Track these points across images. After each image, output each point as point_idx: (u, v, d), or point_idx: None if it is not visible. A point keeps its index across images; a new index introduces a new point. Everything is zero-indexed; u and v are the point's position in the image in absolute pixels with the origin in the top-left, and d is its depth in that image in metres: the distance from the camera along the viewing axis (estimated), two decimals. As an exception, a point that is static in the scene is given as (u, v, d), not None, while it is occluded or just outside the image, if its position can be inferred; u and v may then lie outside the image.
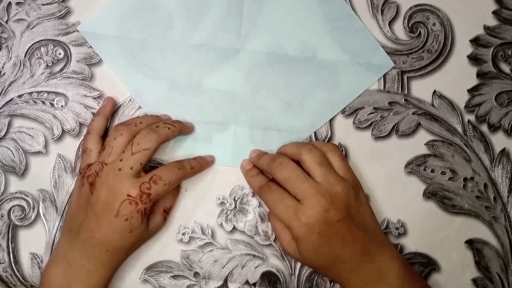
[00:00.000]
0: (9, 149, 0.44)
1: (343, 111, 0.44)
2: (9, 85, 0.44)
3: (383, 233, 0.41)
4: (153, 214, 0.40)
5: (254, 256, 0.43)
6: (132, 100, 0.44)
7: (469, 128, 0.44)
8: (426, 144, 0.44)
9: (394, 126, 0.44)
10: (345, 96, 0.44)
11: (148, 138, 0.38)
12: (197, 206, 0.44)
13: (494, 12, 0.45)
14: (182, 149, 0.44)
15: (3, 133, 0.44)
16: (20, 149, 0.44)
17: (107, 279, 0.39)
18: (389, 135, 0.44)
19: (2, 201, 0.43)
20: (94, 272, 0.38)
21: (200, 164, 0.42)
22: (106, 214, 0.37)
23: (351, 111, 0.44)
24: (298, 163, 0.40)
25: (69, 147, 0.44)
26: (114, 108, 0.43)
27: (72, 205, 0.39)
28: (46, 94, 0.44)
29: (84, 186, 0.38)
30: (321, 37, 0.44)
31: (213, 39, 0.44)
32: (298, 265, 0.43)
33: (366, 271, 0.38)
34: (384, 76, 0.44)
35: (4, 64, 0.44)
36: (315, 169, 0.39)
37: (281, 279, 0.43)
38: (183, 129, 0.42)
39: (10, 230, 0.43)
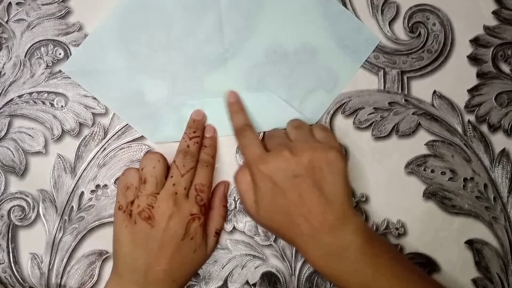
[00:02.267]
0: (9, 149, 0.44)
1: (343, 111, 0.44)
2: (9, 85, 0.44)
3: (351, 207, 0.37)
4: (207, 236, 0.40)
5: (254, 256, 0.43)
6: (132, 100, 0.44)
7: (469, 128, 0.44)
8: (426, 144, 0.44)
9: (394, 126, 0.44)
10: (340, 80, 0.43)
11: (188, 159, 0.40)
12: (197, 206, 0.44)
13: (494, 12, 0.45)
14: None
15: (3, 133, 0.44)
16: (20, 149, 0.44)
17: None
18: (389, 135, 0.44)
19: (2, 201, 0.43)
20: None
21: (211, 143, 0.43)
22: (172, 241, 0.37)
23: (351, 111, 0.44)
24: None
25: (69, 147, 0.44)
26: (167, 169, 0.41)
27: (127, 246, 0.38)
28: (46, 94, 0.44)
29: (138, 223, 0.37)
30: (308, 28, 0.44)
31: (214, 38, 0.44)
32: (299, 265, 0.43)
33: (324, 242, 0.36)
34: (384, 76, 0.44)
35: (4, 64, 0.44)
36: (290, 131, 0.41)
37: (281, 280, 0.43)
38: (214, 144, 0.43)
39: (10, 230, 0.43)
